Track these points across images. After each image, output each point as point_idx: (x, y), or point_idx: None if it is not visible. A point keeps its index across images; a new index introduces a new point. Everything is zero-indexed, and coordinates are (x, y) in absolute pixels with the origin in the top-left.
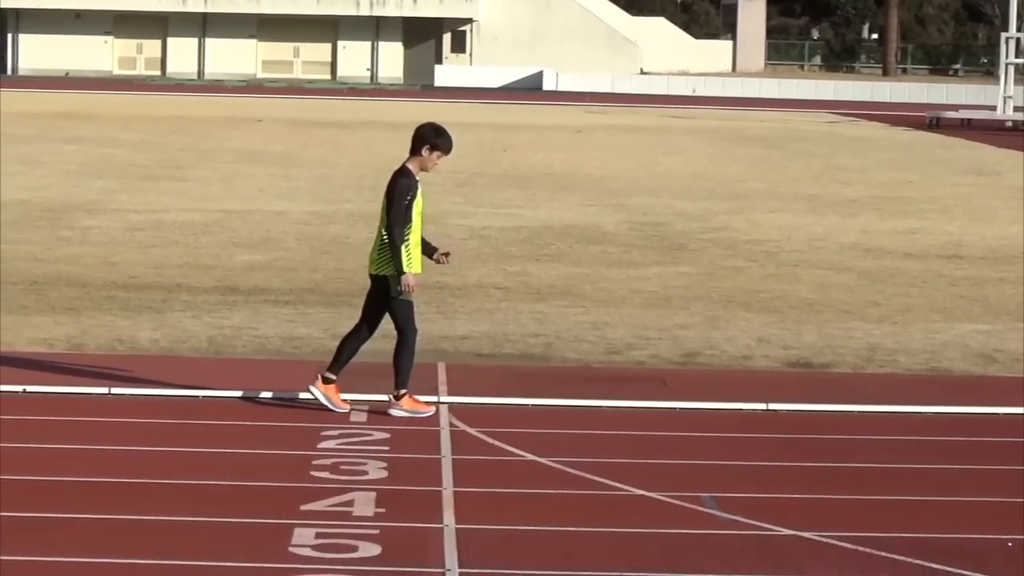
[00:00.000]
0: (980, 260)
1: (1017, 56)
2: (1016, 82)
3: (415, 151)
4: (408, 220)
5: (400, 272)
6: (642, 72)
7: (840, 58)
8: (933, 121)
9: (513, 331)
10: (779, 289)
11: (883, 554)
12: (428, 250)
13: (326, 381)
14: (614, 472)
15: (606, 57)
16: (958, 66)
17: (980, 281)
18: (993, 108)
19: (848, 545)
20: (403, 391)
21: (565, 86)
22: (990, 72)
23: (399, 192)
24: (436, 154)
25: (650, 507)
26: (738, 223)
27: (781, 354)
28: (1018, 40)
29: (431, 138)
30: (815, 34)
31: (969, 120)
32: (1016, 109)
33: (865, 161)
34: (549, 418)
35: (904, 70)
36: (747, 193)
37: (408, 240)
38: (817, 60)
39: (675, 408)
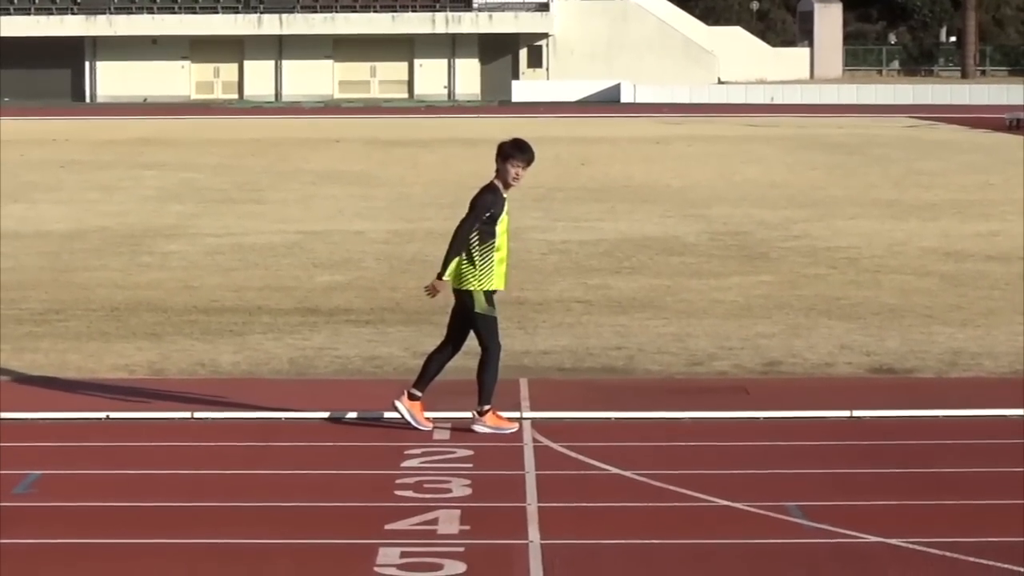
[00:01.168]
0: None
1: None
2: None
3: (499, 167)
4: (492, 236)
5: (440, 276)
6: (719, 82)
7: (918, 62)
8: (1013, 122)
9: (595, 345)
10: (860, 295)
11: (971, 559)
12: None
13: (412, 398)
14: (698, 484)
15: (683, 68)
16: None
17: None
18: None
19: (936, 551)
20: (487, 407)
21: (642, 98)
22: None
23: (481, 203)
24: (512, 164)
25: (735, 518)
26: (818, 230)
27: (864, 361)
28: None
29: (508, 150)
30: (892, 39)
31: None
32: None
33: (945, 164)
34: (632, 431)
35: (983, 72)
36: (826, 200)
37: (492, 257)
38: (895, 65)
39: (758, 418)
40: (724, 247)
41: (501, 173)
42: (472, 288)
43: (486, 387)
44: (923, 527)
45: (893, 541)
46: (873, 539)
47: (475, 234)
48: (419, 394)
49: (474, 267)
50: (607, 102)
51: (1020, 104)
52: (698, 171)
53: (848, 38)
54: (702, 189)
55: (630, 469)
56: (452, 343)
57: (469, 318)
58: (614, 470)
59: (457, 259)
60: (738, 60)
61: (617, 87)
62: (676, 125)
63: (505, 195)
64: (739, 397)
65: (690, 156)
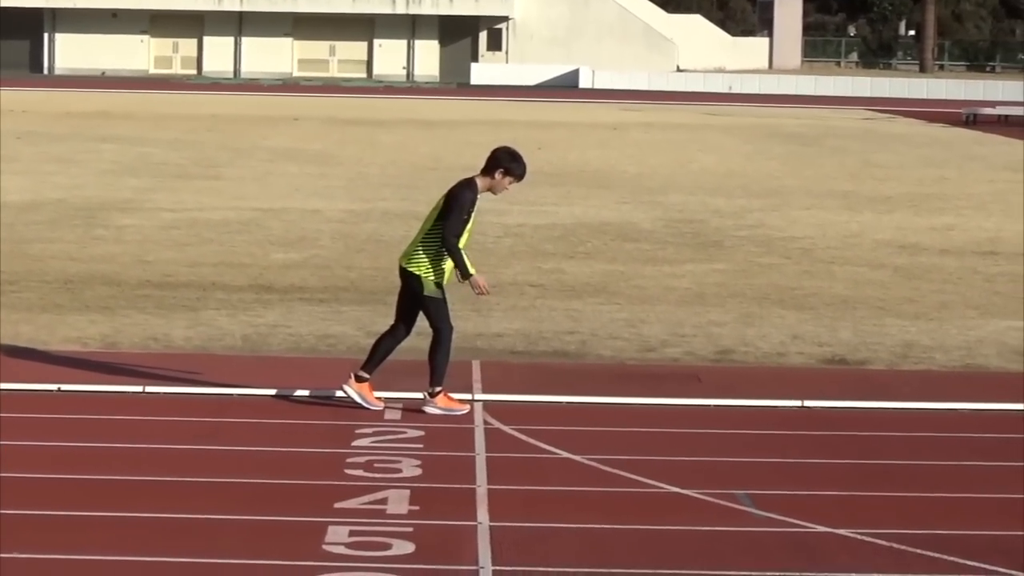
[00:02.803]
0: (1016, 256)
1: None
2: None
3: (488, 172)
4: (460, 233)
5: (467, 275)
6: (678, 69)
7: (877, 55)
8: (970, 117)
9: (547, 329)
10: (814, 286)
11: (918, 551)
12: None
13: (359, 380)
14: (648, 469)
15: (642, 54)
16: (995, 62)
17: (1016, 277)
18: None
19: (883, 542)
20: (438, 389)
21: (601, 84)
22: None
23: (462, 203)
24: (509, 179)
25: (685, 505)
26: (773, 220)
27: (816, 351)
28: None
29: (506, 162)
30: (852, 31)
31: (1006, 116)
32: None
33: (901, 158)
34: (583, 415)
35: (941, 66)
36: (782, 190)
37: (446, 260)
38: (854, 57)
39: (709, 405)
40: (679, 234)
41: (492, 182)
42: (421, 273)
43: (438, 369)
44: (871, 518)
45: (841, 531)
46: (821, 529)
47: (441, 225)
48: (367, 376)
49: (429, 255)
50: (565, 87)
51: (978, 99)
52: (655, 158)
53: (808, 29)
54: (658, 176)
55: (580, 453)
56: (403, 325)
57: (418, 301)
58: (564, 454)
59: (414, 241)
60: (697, 48)
61: (576, 72)
62: (634, 112)
63: (480, 195)
64: (691, 384)
65: (647, 143)
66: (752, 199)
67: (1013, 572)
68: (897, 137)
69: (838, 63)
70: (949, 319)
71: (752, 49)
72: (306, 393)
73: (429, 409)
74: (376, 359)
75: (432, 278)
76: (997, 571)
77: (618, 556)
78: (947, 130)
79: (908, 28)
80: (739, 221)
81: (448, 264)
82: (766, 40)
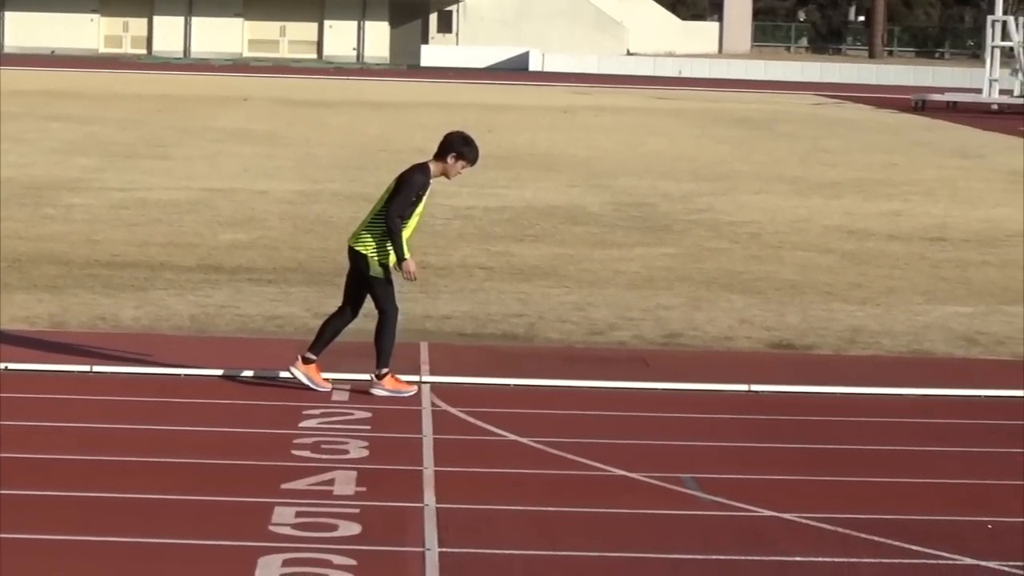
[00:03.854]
0: (963, 243)
1: (1003, 39)
2: (1002, 65)
3: (441, 156)
4: (407, 216)
5: (401, 259)
6: (628, 53)
7: (826, 40)
8: (919, 104)
9: (496, 311)
10: (762, 271)
11: (864, 536)
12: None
13: (306, 361)
14: (595, 452)
15: (592, 38)
16: (944, 49)
17: (963, 264)
18: (979, 91)
19: (828, 527)
20: (385, 370)
21: (551, 67)
22: (976, 55)
23: (412, 185)
24: (461, 163)
25: (631, 488)
26: (722, 204)
27: (763, 335)
28: (1004, 23)
29: (459, 147)
30: (802, 16)
31: (955, 103)
32: (1002, 92)
33: (850, 143)
34: (531, 398)
35: (890, 52)
36: (732, 175)
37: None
38: (804, 42)
39: (657, 389)
40: (628, 218)
41: (445, 166)
42: (368, 254)
43: (384, 350)
44: (817, 502)
45: (787, 516)
46: (767, 513)
47: (391, 207)
48: (314, 357)
49: (376, 236)
50: (515, 70)
51: (926, 86)
52: (604, 142)
53: (758, 14)
54: (608, 160)
55: (527, 436)
56: (350, 307)
57: (365, 282)
58: (511, 436)
59: (364, 222)
60: (648, 32)
61: (526, 55)
62: (584, 95)
63: (432, 181)
64: (638, 368)
65: (597, 126)
66: (701, 183)
67: (957, 557)
68: (846, 123)
69: (788, 48)
70: (896, 304)
71: (702, 33)
72: (253, 374)
73: (376, 391)
74: (323, 341)
75: (378, 259)
76: (942, 555)
77: (565, 539)
78: (896, 116)
79: (858, 14)
80: (688, 205)
81: (388, 250)
82: (716, 25)
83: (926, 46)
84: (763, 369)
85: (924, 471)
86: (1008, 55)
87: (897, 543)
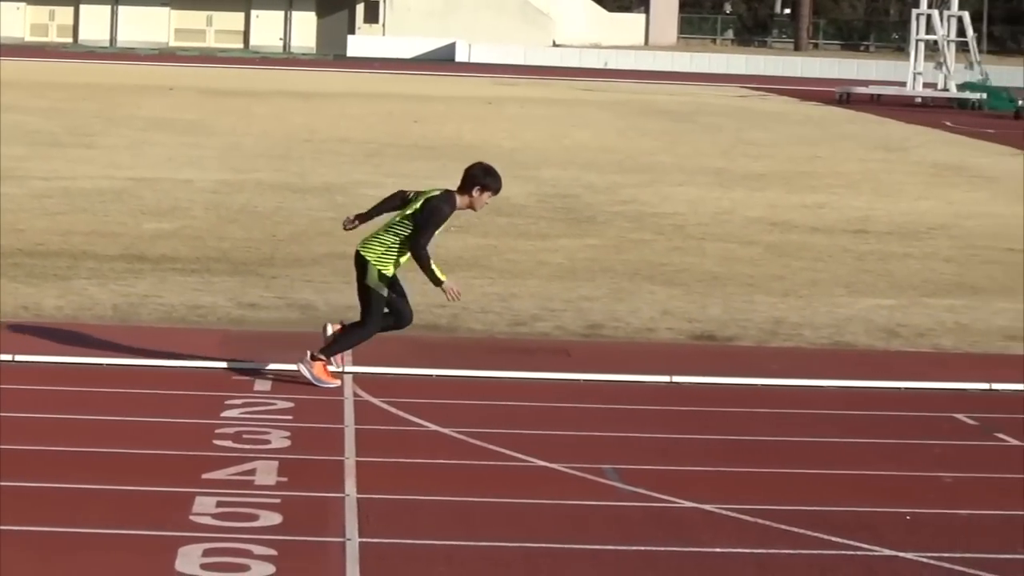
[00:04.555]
0: (886, 235)
1: (928, 32)
2: (926, 58)
3: (465, 189)
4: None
5: (437, 283)
6: (554, 44)
7: (752, 32)
8: (843, 96)
9: (418, 302)
10: (685, 262)
11: (783, 527)
12: (433, 277)
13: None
14: (517, 443)
15: (519, 29)
16: (869, 42)
17: (885, 256)
18: (903, 84)
19: (748, 518)
20: (321, 358)
21: (477, 57)
22: (901, 48)
23: (439, 217)
24: (487, 194)
25: (552, 478)
26: (646, 196)
27: (685, 327)
28: (928, 16)
29: (482, 179)
30: (728, 8)
31: (879, 96)
32: (926, 85)
33: (774, 135)
34: (453, 389)
35: (816, 45)
36: (656, 166)
37: (400, 259)
38: (729, 34)
39: (579, 380)
40: (552, 209)
41: (471, 199)
42: (371, 260)
43: (338, 343)
44: (736, 493)
45: (707, 507)
46: (687, 504)
47: (409, 228)
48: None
49: (384, 246)
50: (442, 60)
51: (851, 78)
52: (529, 133)
53: (684, 6)
54: (533, 151)
55: (449, 426)
56: (394, 314)
57: (362, 285)
58: (433, 427)
59: (380, 239)
60: (574, 23)
61: (452, 46)
62: (510, 86)
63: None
64: (560, 359)
65: (522, 117)
66: (625, 175)
67: (875, 548)
68: (771, 115)
69: (714, 40)
70: (818, 296)
71: (628, 25)
72: (176, 364)
73: (303, 369)
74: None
75: (379, 268)
76: (860, 547)
77: (485, 529)
78: (820, 108)
79: (783, 6)
80: (612, 197)
81: (402, 259)
82: (642, 16)
83: (851, 39)
84: (685, 360)
85: (843, 463)
86: (932, 49)
87: (816, 534)
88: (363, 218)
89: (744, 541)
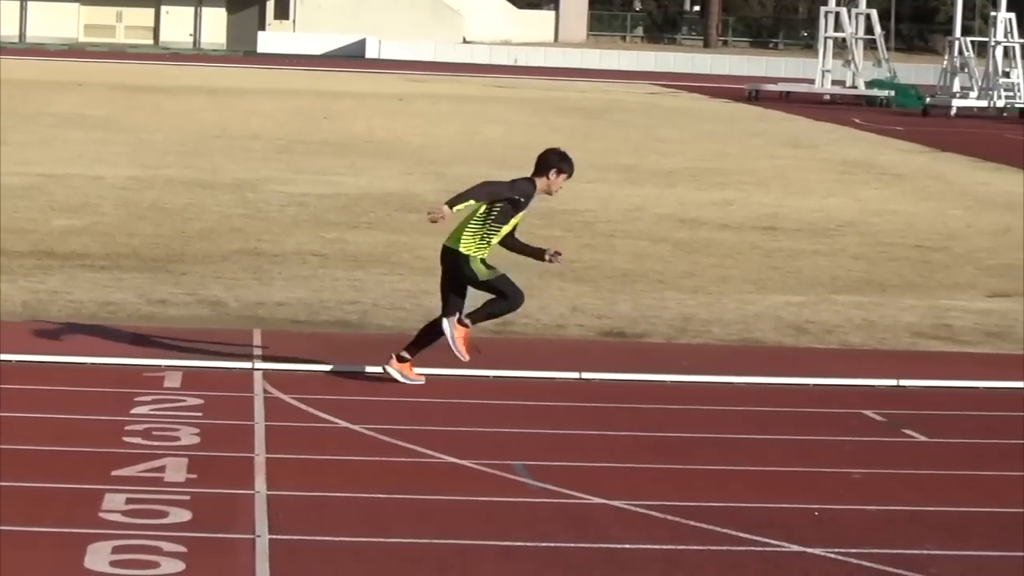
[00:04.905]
0: (795, 232)
1: (836, 30)
2: (835, 56)
3: (542, 173)
4: (506, 221)
5: (450, 205)
6: (465, 41)
7: (662, 30)
8: (753, 93)
9: (329, 298)
10: (595, 259)
11: (692, 523)
12: (533, 252)
13: (401, 360)
14: (427, 440)
15: (429, 25)
16: (779, 39)
17: (794, 253)
18: (812, 81)
19: (657, 514)
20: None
21: (388, 54)
22: (809, 46)
23: (518, 187)
24: (563, 177)
25: (461, 475)
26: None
27: (595, 323)
28: (837, 14)
29: (557, 162)
30: (637, 5)
31: (788, 93)
32: (834, 83)
33: (684, 132)
34: (363, 386)
35: (725, 42)
36: None
37: (493, 238)
38: (639, 31)
39: (489, 376)
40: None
41: (548, 182)
42: (470, 254)
43: (492, 314)
44: (646, 489)
45: (616, 503)
46: (597, 500)
47: (496, 210)
48: (408, 356)
49: (475, 236)
50: (352, 57)
51: (760, 75)
52: (440, 129)
53: (594, 3)
54: (443, 148)
55: (359, 423)
56: (450, 307)
57: (472, 284)
58: (343, 423)
59: (462, 224)
60: (484, 20)
61: (363, 42)
62: (420, 83)
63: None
64: (471, 355)
65: (433, 114)
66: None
67: (784, 544)
68: (680, 112)
69: (623, 37)
70: (727, 293)
71: (538, 22)
72: (85, 360)
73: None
74: (420, 344)
75: (479, 258)
76: (769, 543)
77: (395, 526)
78: (730, 106)
79: (693, 4)
80: None
81: (495, 240)
82: (552, 13)
83: (760, 37)
84: (594, 357)
85: (753, 459)
86: (841, 46)
87: (725, 530)
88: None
89: (653, 537)
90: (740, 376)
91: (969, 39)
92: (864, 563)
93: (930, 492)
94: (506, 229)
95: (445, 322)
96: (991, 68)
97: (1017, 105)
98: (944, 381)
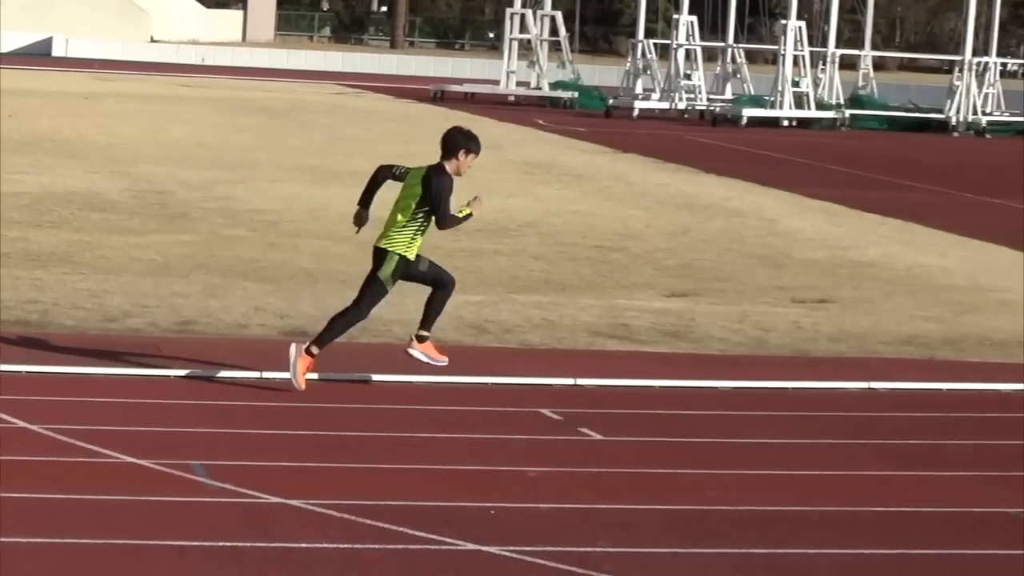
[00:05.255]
0: (476, 232)
1: (522, 32)
2: (520, 57)
3: (450, 155)
4: (428, 217)
5: (469, 216)
6: (152, 40)
7: (349, 30)
8: (438, 94)
9: (9, 297)
10: (278, 259)
11: (369, 522)
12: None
13: (421, 340)
14: (106, 440)
15: (116, 24)
16: (465, 40)
17: (475, 253)
18: (497, 82)
19: (335, 513)
20: (315, 349)
21: (75, 52)
22: (495, 47)
23: (447, 188)
24: (471, 156)
25: (139, 475)
26: (240, 192)
27: (277, 323)
28: (522, 16)
29: (464, 143)
30: (325, 5)
31: (473, 94)
32: (519, 84)
33: (369, 132)
34: (43, 385)
35: (412, 43)
36: (251, 163)
37: (421, 231)
38: (327, 31)
39: (168, 376)
40: (146, 205)
41: (457, 163)
42: (400, 251)
43: (331, 332)
44: (324, 489)
45: (293, 502)
46: (275, 500)
47: (425, 211)
48: (426, 334)
49: (409, 237)
50: (38, 55)
51: (446, 76)
52: (125, 128)
53: (282, 3)
54: (128, 147)
55: (37, 423)
56: (434, 285)
57: (371, 275)
58: (21, 423)
59: (392, 225)
60: (172, 19)
61: (49, 40)
62: (107, 82)
63: None
64: (151, 355)
65: (119, 113)
66: (221, 171)
67: (460, 542)
68: (366, 112)
69: (311, 37)
70: (409, 293)
71: (226, 21)
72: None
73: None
74: (429, 318)
75: (404, 254)
76: (445, 541)
77: (72, 527)
78: (415, 106)
79: (381, 4)
80: (206, 193)
81: (420, 240)
82: (240, 13)
83: (447, 37)
84: (275, 356)
85: (430, 457)
86: (526, 47)
87: (402, 529)
88: (366, 204)
89: (330, 536)
90: (421, 376)
91: (652, 41)
92: (539, 561)
93: (604, 490)
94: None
95: (411, 351)
96: (673, 70)
97: (698, 107)
98: (621, 380)
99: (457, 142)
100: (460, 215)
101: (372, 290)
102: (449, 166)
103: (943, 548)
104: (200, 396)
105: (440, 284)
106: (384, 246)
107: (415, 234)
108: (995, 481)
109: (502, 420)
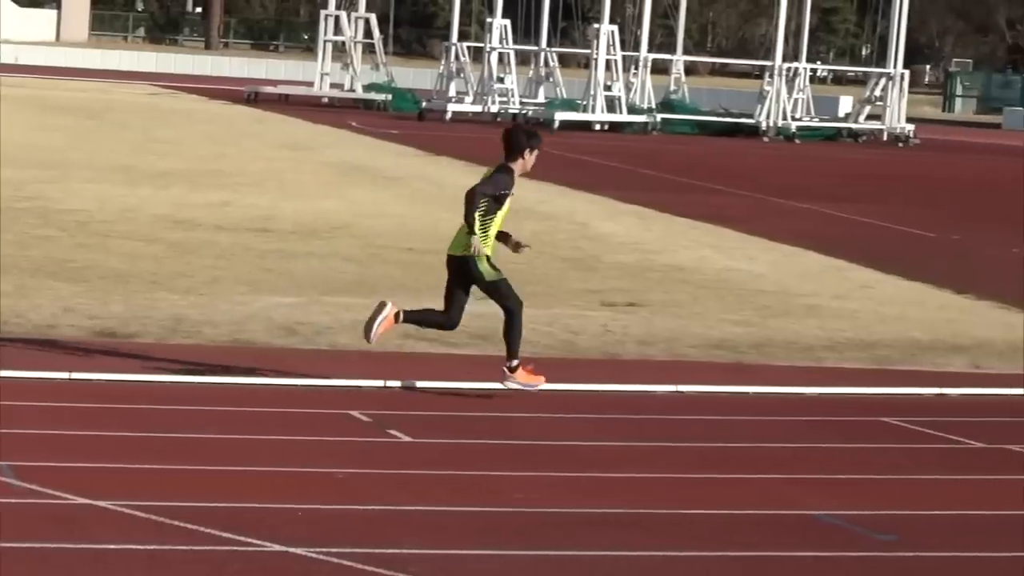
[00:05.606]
0: (289, 234)
1: (336, 33)
2: (334, 59)
3: (516, 155)
4: (495, 212)
5: (472, 232)
6: None
7: (164, 31)
8: (252, 95)
9: None
10: (88, 259)
11: (177, 523)
12: (503, 238)
13: (513, 370)
14: None
15: None
16: (280, 42)
17: (287, 255)
18: (311, 84)
19: (143, 514)
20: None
21: None
22: (310, 48)
23: (495, 184)
24: (535, 153)
25: None
26: (52, 192)
27: (87, 324)
28: (337, 18)
29: (527, 141)
30: (139, 6)
31: (287, 96)
32: (333, 86)
33: (182, 133)
34: None
35: (227, 44)
36: (64, 163)
37: (490, 230)
38: (141, 32)
39: None
40: None
41: (524, 162)
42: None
43: (512, 344)
44: (132, 490)
45: (101, 503)
46: (82, 501)
47: (483, 206)
48: (517, 360)
49: (481, 233)
50: None
51: (260, 77)
52: None
53: (96, 3)
54: None
55: None
56: (450, 312)
57: (478, 287)
58: None
59: (460, 229)
60: None
61: None
62: None
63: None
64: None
65: None
66: (32, 171)
67: (267, 544)
68: (179, 113)
69: (125, 38)
70: (219, 294)
71: (40, 21)
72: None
73: (509, 384)
74: (513, 344)
75: (486, 263)
76: (252, 542)
77: None
78: (228, 107)
79: (195, 5)
80: (18, 192)
81: (492, 232)
82: (54, 12)
83: (262, 39)
84: (85, 357)
85: (238, 459)
86: (340, 50)
87: (209, 530)
88: (498, 238)
89: (138, 537)
90: (229, 377)
91: (466, 44)
92: (345, 562)
93: (412, 491)
94: (497, 223)
95: (507, 384)
96: (486, 74)
97: (511, 110)
98: (430, 382)
99: (520, 141)
100: (478, 227)
101: (499, 292)
102: (516, 166)
103: (755, 551)
104: (8, 397)
105: (449, 318)
106: (462, 255)
107: (484, 227)
108: (801, 484)
109: (311, 422)
